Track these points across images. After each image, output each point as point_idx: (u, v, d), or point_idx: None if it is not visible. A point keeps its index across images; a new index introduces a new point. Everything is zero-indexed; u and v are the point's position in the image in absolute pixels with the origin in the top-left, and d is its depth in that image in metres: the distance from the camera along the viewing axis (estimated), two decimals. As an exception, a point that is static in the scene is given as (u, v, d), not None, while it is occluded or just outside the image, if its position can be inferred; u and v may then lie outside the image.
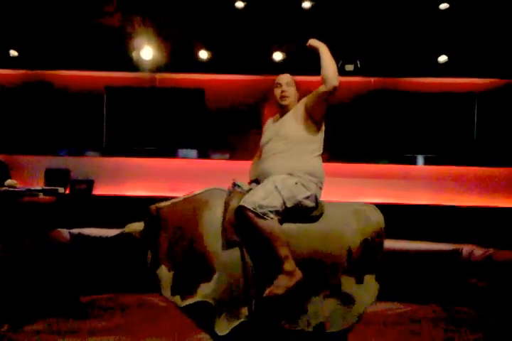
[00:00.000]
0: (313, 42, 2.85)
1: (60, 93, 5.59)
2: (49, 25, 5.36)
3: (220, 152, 5.60)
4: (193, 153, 5.59)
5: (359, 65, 5.28)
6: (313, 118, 2.80)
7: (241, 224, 2.53)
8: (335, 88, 2.68)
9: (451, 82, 5.44)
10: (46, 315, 3.52)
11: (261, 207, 2.51)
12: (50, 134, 5.57)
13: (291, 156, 2.75)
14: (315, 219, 2.66)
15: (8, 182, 4.60)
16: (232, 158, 5.55)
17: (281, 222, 2.58)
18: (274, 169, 2.74)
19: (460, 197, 5.42)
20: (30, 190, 4.77)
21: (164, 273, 2.49)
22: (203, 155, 5.57)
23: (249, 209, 2.51)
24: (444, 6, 5.08)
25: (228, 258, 2.47)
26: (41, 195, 4.82)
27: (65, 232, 4.33)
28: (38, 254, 3.82)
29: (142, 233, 2.62)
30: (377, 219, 2.77)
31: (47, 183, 5.40)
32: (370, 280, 2.65)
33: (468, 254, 3.92)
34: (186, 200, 2.65)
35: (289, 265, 2.47)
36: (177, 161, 5.60)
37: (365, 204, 2.87)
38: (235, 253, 2.49)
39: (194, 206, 2.60)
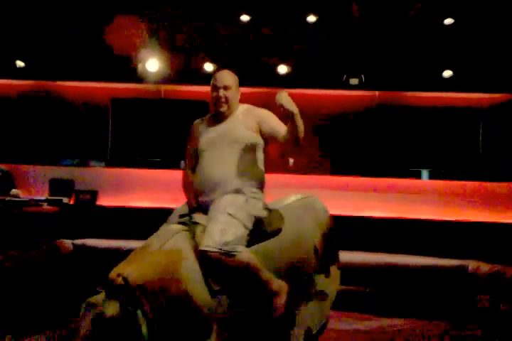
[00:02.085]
0: (285, 100, 2.34)
1: (65, 103, 5.62)
2: (56, 36, 5.41)
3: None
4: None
5: (363, 79, 5.31)
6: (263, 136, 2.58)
7: (214, 267, 2.28)
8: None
9: (456, 96, 5.45)
10: (48, 326, 3.49)
11: (226, 244, 2.27)
12: (55, 144, 5.59)
13: (241, 163, 2.49)
14: (276, 232, 2.50)
15: (13, 191, 4.61)
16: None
17: (248, 242, 2.41)
18: (225, 179, 2.47)
19: (464, 212, 5.39)
20: (34, 199, 4.78)
21: None
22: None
23: (214, 252, 2.26)
24: (448, 21, 5.12)
25: (221, 308, 2.27)
26: (45, 205, 4.83)
27: (68, 243, 4.32)
28: (41, 265, 3.80)
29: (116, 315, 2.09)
30: (322, 207, 2.69)
31: (51, 193, 5.41)
32: (334, 270, 2.62)
33: (474, 270, 3.89)
34: (153, 257, 2.22)
35: (275, 284, 2.36)
36: (180, 173, 5.58)
37: (302, 194, 2.72)
38: (225, 301, 2.29)
39: (167, 261, 2.21)
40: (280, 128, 2.57)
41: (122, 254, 4.14)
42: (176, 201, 5.42)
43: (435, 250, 4.47)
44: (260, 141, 2.59)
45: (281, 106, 2.35)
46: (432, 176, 5.42)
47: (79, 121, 5.61)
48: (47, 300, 3.68)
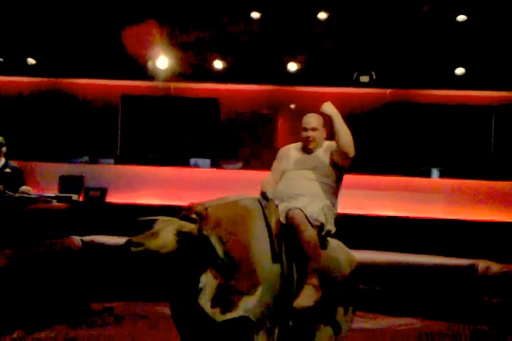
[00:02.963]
0: (327, 108, 2.78)
1: (76, 101, 5.65)
2: (66, 34, 5.43)
3: (233, 162, 5.60)
4: (206, 162, 5.59)
5: (374, 77, 5.27)
6: (336, 165, 2.88)
7: (285, 237, 2.47)
8: (352, 158, 2.79)
9: (468, 94, 5.38)
10: (57, 321, 3.51)
11: (311, 216, 2.53)
12: (65, 142, 5.62)
13: (320, 186, 2.79)
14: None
15: (23, 188, 4.63)
16: (244, 167, 5.54)
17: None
18: (303, 191, 2.74)
19: (475, 211, 5.33)
20: (44, 196, 4.80)
21: (210, 280, 2.24)
22: (216, 164, 5.57)
23: (301, 214, 2.49)
24: (461, 17, 5.06)
25: (273, 273, 2.36)
26: (55, 202, 4.86)
27: (77, 239, 4.34)
28: (50, 261, 3.82)
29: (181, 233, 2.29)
30: (352, 254, 2.84)
31: (61, 190, 5.44)
32: (350, 312, 2.69)
33: (485, 270, 3.85)
34: (229, 204, 2.42)
35: (316, 280, 2.45)
36: (190, 170, 5.60)
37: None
38: (277, 268, 2.38)
39: (241, 213, 2.39)
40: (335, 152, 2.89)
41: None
42: (185, 198, 5.47)
43: (445, 249, 4.43)
44: (335, 173, 2.88)
45: (323, 112, 2.77)
46: (443, 175, 5.37)
47: (89, 118, 5.63)
48: (55, 295, 3.70)
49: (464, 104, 5.38)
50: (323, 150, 2.91)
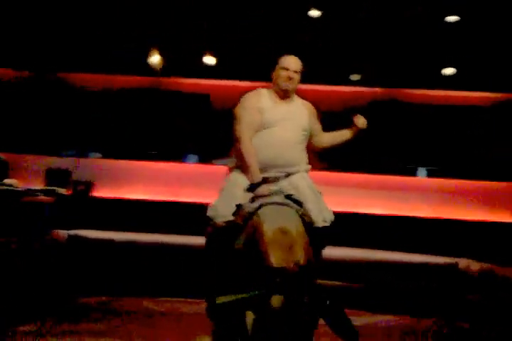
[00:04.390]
0: (363, 122, 2.81)
1: (64, 94, 5.61)
2: (58, 29, 5.36)
3: (223, 157, 5.59)
4: (196, 157, 5.58)
5: (365, 75, 5.30)
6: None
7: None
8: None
9: (457, 95, 5.44)
10: (42, 315, 3.50)
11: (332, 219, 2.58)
12: (53, 135, 5.57)
13: (303, 150, 2.71)
14: None
15: (6, 181, 4.59)
16: (234, 163, 5.54)
17: None
18: (298, 161, 2.66)
19: (459, 210, 5.40)
20: (30, 189, 4.77)
21: None
22: (206, 160, 5.57)
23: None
24: (452, 18, 5.09)
25: None
26: (41, 195, 4.82)
27: (63, 233, 4.32)
28: (35, 254, 3.80)
29: None
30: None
31: (47, 183, 5.39)
32: None
33: (465, 268, 3.91)
34: (294, 239, 2.16)
35: None
36: (179, 165, 5.59)
37: None
38: None
39: (300, 242, 2.19)
40: (319, 131, 2.83)
41: (116, 246, 4.16)
42: (174, 194, 5.47)
43: (429, 247, 4.48)
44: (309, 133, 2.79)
45: (358, 123, 2.80)
46: (429, 174, 5.43)
47: (77, 111, 5.59)
48: (40, 289, 3.69)
49: (453, 104, 5.43)
50: (303, 107, 2.76)
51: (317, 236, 2.38)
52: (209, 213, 2.59)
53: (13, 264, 3.56)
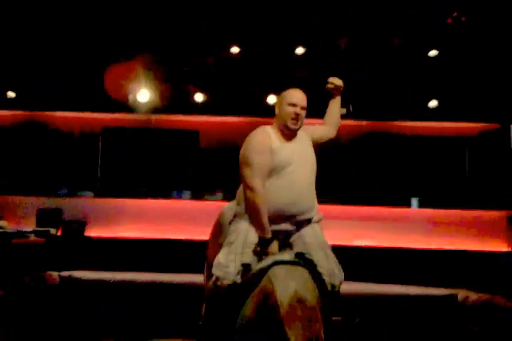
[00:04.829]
0: (337, 80, 2.74)
1: (55, 134, 5.63)
2: (46, 67, 5.46)
3: (214, 193, 5.59)
4: (187, 194, 5.58)
5: (351, 109, 5.39)
6: None
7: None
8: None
9: (442, 126, 5.54)
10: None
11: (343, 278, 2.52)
12: (44, 175, 5.56)
13: (313, 189, 2.56)
14: None
15: (-1, 223, 4.56)
16: (225, 199, 5.54)
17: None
18: (311, 208, 2.48)
19: (453, 240, 5.39)
20: (20, 231, 4.72)
21: None
22: (197, 196, 5.56)
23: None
24: (433, 53, 5.26)
25: None
26: (32, 236, 4.77)
27: (54, 275, 4.24)
28: (26, 297, 3.73)
29: None
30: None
31: (39, 224, 5.34)
32: None
33: (464, 299, 3.88)
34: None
35: None
36: (171, 202, 5.58)
37: None
38: None
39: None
40: (324, 129, 2.81)
41: (109, 286, 4.09)
42: (167, 231, 5.43)
43: (424, 279, 4.45)
44: None
45: (333, 83, 2.74)
46: (421, 204, 5.44)
47: (68, 150, 5.61)
48: (30, 331, 3.60)
49: (439, 135, 5.53)
50: (307, 137, 2.62)
51: (328, 300, 2.28)
52: (216, 272, 2.36)
53: (4, 308, 3.49)
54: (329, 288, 2.34)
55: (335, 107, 2.81)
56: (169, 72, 5.54)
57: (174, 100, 5.53)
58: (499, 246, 5.37)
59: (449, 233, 5.42)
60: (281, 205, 2.39)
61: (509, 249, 5.35)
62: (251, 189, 2.39)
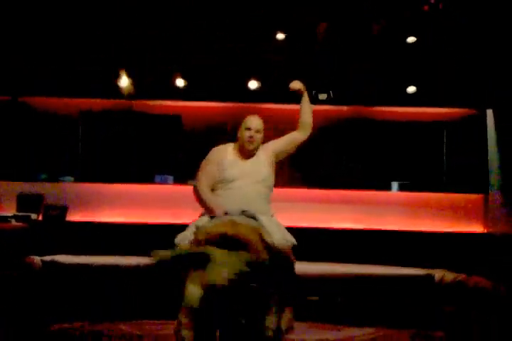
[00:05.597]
0: (296, 84, 3.02)
1: (35, 118, 5.57)
2: (26, 51, 5.37)
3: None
4: (170, 178, 5.59)
5: (332, 95, 5.44)
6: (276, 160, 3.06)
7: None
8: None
9: (420, 111, 5.64)
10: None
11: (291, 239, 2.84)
12: (24, 160, 5.52)
13: (269, 203, 2.96)
14: None
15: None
16: (208, 183, 5.56)
17: None
18: (262, 212, 2.85)
19: (431, 222, 5.53)
20: (1, 216, 4.70)
21: None
22: (180, 180, 5.58)
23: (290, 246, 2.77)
24: (411, 39, 5.31)
25: None
26: (13, 221, 4.76)
27: (37, 259, 4.25)
28: (8, 282, 3.74)
29: None
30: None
31: (19, 209, 5.32)
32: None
33: (440, 279, 3.99)
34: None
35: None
36: (153, 187, 5.59)
37: None
38: None
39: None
40: (292, 135, 3.11)
41: (92, 270, 4.11)
42: (149, 216, 5.45)
43: (403, 260, 4.57)
44: (273, 181, 3.04)
45: (293, 87, 3.02)
46: (399, 188, 5.56)
47: (49, 135, 5.56)
48: (13, 316, 3.62)
49: (417, 120, 5.62)
50: (265, 155, 3.01)
51: (279, 258, 2.58)
52: (175, 241, 2.91)
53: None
54: (283, 243, 2.71)
55: (304, 107, 3.12)
56: (150, 56, 5.49)
57: (156, 85, 5.50)
58: (475, 228, 5.53)
59: (427, 215, 5.55)
60: (231, 210, 2.78)
61: (485, 231, 5.51)
62: (197, 186, 3.03)
